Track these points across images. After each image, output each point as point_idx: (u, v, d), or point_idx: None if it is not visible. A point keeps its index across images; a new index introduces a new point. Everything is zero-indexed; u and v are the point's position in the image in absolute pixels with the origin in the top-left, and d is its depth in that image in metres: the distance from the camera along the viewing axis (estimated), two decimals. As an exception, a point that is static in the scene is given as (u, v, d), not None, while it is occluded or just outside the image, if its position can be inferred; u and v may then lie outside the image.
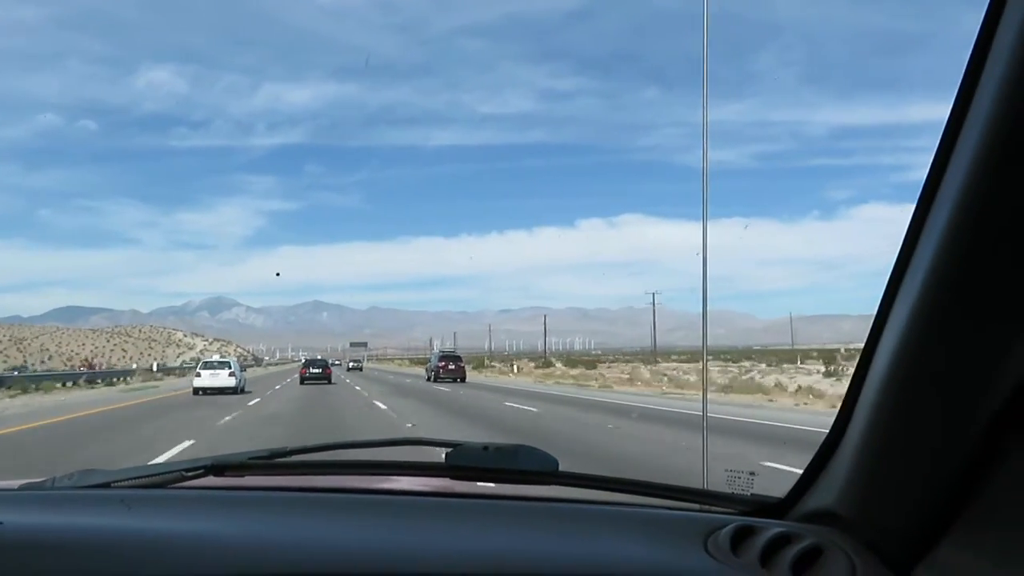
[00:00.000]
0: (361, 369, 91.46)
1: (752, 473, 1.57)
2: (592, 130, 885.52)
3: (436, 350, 61.66)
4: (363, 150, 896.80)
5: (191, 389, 31.98)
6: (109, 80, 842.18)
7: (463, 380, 44.70)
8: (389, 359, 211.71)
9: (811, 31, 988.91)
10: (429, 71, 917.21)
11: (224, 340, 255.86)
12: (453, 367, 45.71)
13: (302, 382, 41.94)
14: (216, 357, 45.26)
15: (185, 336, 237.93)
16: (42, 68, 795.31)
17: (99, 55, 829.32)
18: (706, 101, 3.12)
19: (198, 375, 33.07)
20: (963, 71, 0.83)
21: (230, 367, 33.83)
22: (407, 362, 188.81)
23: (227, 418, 19.27)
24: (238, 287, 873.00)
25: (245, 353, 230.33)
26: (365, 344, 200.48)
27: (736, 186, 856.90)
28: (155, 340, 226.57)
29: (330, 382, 42.41)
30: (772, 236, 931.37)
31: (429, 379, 46.45)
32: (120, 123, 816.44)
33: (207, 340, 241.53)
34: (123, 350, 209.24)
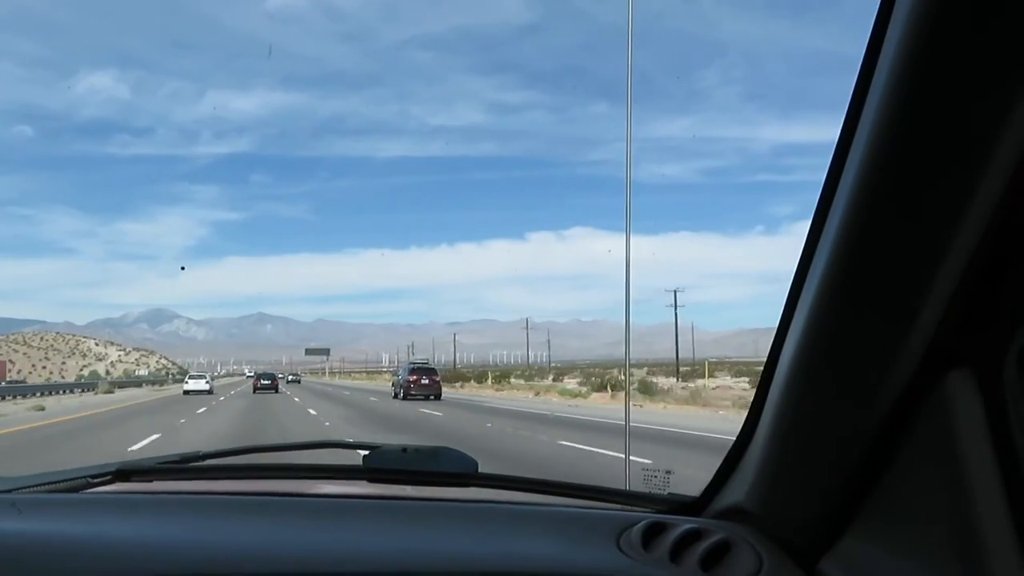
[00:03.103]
0: (299, 382, 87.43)
1: (668, 472, 1.57)
2: (542, 144, 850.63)
3: (407, 362, 48.62)
4: (311, 160, 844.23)
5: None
6: (46, 84, 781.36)
7: (438, 397, 36.85)
8: (346, 373, 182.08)
9: (754, 50, 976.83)
10: (379, 82, 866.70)
11: (145, 351, 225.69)
12: (427, 382, 37.25)
13: (254, 391, 49.29)
14: (194, 372, 71.21)
15: (97, 345, 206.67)
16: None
17: (36, 58, 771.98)
18: (629, 120, 3.20)
19: (186, 382, 53.65)
20: (851, 89, 0.86)
21: (206, 378, 53.30)
22: (366, 375, 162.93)
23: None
24: (179, 299, 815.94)
25: (170, 366, 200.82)
26: (327, 351, 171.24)
27: (682, 200, 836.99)
28: (57, 349, 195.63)
29: (277, 391, 49.35)
30: (718, 250, 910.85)
31: (396, 396, 38.33)
32: (57, 129, 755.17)
33: (124, 350, 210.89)
34: (10, 362, 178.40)
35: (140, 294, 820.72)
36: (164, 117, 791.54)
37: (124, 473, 1.41)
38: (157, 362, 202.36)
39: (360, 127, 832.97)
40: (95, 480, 1.40)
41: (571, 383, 58.66)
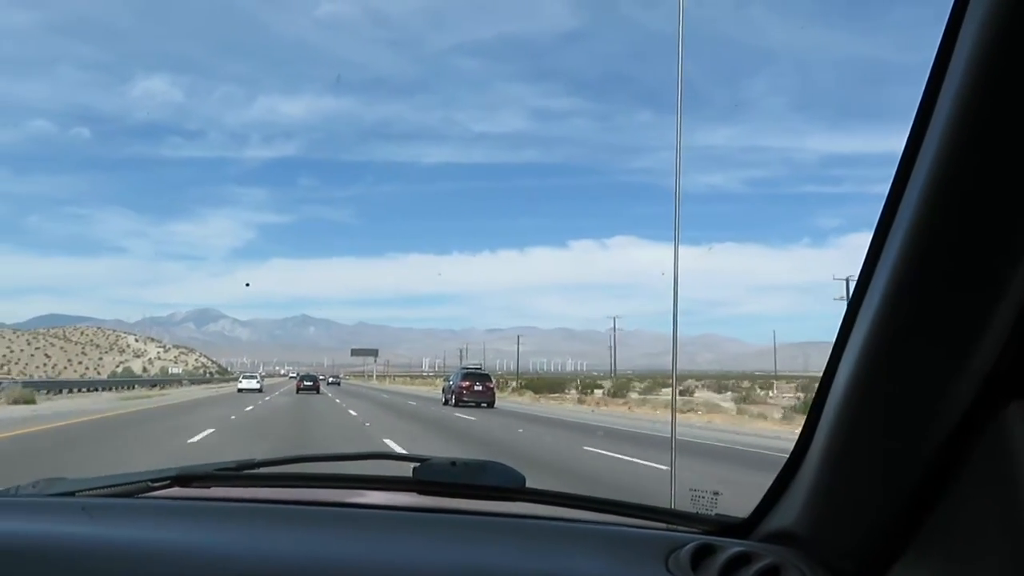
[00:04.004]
0: (339, 384, 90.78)
1: (716, 493, 1.57)
2: (585, 151, 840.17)
3: (458, 368, 44.93)
4: (357, 165, 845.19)
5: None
6: (104, 87, 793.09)
7: (491, 405, 34.32)
8: (391, 376, 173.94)
9: (803, 59, 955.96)
10: (424, 88, 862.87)
11: (185, 348, 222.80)
12: (480, 388, 35.08)
13: (297, 391, 54.61)
14: (248, 373, 71.51)
15: (136, 341, 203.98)
16: (35, 74, 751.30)
17: (94, 62, 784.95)
18: (679, 128, 3.14)
19: (240, 381, 59.17)
20: (918, 104, 0.83)
21: (257, 378, 60.05)
22: (408, 379, 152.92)
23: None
24: (225, 299, 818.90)
25: (209, 364, 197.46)
26: (375, 352, 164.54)
27: (727, 210, 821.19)
28: (96, 344, 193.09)
29: (318, 392, 55.25)
30: (763, 261, 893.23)
31: (447, 402, 36.00)
32: (113, 131, 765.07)
33: (163, 347, 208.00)
34: (46, 355, 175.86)
35: (187, 294, 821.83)
36: (215, 120, 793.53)
37: (183, 479, 1.43)
38: (196, 360, 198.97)
39: (405, 133, 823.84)
40: (155, 484, 1.43)
41: (702, 395, 46.29)
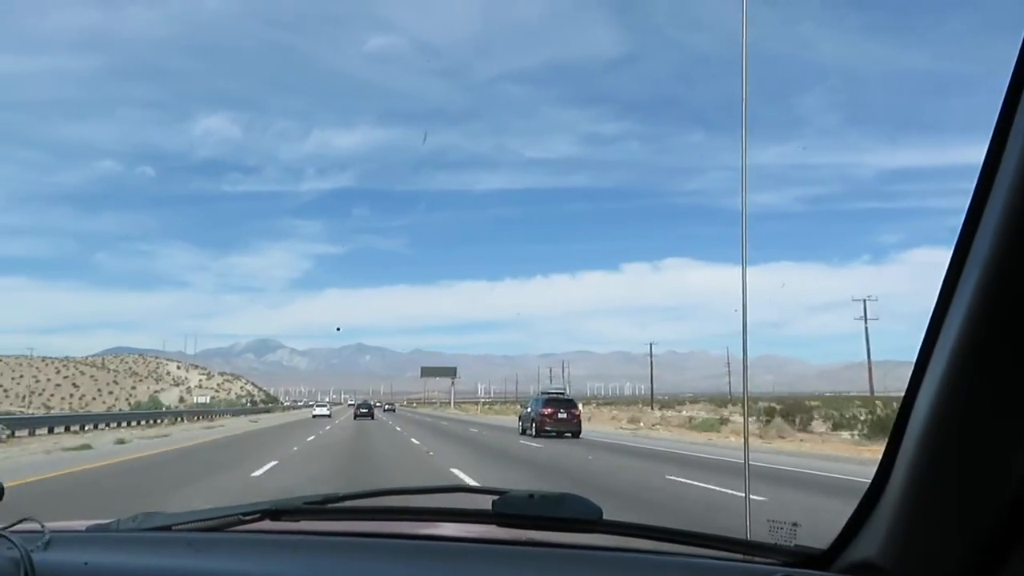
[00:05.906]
0: (395, 411, 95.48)
1: (795, 524, 1.52)
2: (637, 174, 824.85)
3: (537, 393, 36.56)
4: (410, 194, 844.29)
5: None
6: (167, 126, 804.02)
7: (576, 435, 29.57)
8: (458, 403, 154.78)
9: (856, 73, 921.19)
10: (475, 116, 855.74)
11: (231, 376, 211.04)
12: (564, 415, 29.97)
13: (355, 418, 60.99)
14: (320, 402, 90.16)
15: (178, 368, 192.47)
16: (102, 116, 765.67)
17: (157, 103, 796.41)
18: (745, 148, 3.09)
19: (314, 408, 75.58)
20: (996, 118, 0.78)
21: (327, 406, 76.92)
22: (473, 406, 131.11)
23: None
24: (283, 329, 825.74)
25: (256, 392, 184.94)
26: (454, 371, 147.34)
27: (781, 229, 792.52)
28: (135, 372, 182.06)
29: (372, 418, 61.33)
30: (821, 280, 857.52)
31: (525, 431, 31.61)
32: (176, 168, 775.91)
33: (206, 374, 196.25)
34: (75, 385, 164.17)
35: (247, 325, 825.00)
36: (271, 155, 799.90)
37: (274, 512, 1.46)
38: (241, 388, 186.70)
39: (457, 161, 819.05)
40: (246, 518, 1.45)
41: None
